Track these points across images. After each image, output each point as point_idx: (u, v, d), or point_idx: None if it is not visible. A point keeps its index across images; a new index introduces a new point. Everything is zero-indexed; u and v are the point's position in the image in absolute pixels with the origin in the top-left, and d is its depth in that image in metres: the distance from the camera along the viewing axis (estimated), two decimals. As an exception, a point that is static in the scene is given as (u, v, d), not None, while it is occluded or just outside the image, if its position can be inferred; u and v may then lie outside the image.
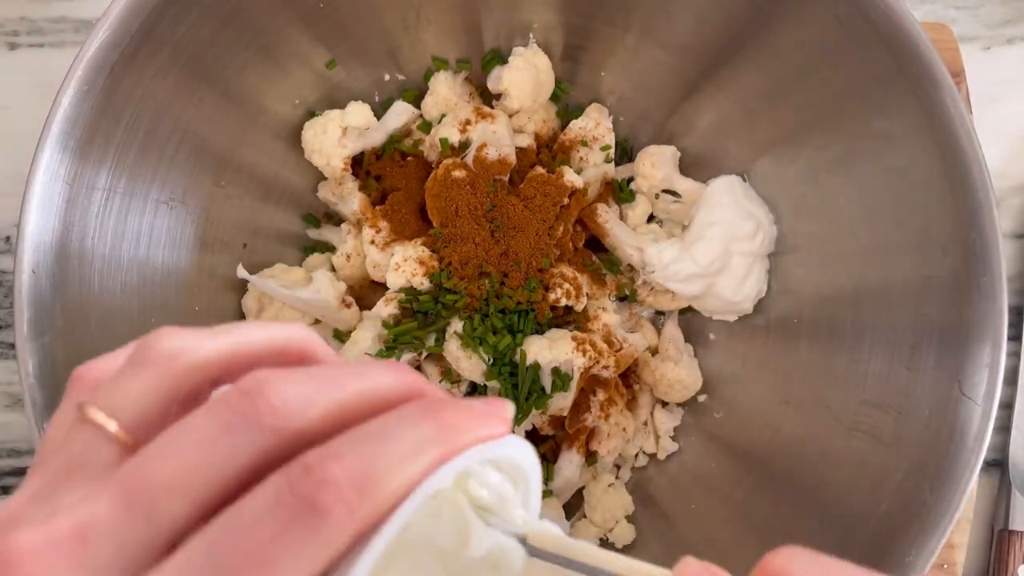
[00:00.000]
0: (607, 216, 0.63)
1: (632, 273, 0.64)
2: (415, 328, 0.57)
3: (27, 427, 0.49)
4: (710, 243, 0.61)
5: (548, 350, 0.56)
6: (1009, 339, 0.50)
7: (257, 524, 0.21)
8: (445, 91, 0.63)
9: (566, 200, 0.60)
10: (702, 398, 0.65)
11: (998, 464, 0.67)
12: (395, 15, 0.61)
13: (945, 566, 0.62)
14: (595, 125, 0.64)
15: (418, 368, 0.61)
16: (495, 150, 0.60)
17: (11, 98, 0.69)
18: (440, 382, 0.59)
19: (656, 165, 0.63)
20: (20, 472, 0.67)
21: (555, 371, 0.57)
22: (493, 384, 0.57)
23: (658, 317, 0.67)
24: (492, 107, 0.63)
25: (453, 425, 0.24)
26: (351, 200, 0.62)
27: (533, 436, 0.62)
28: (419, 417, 0.24)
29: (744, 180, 0.63)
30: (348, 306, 0.61)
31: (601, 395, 0.60)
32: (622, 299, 0.65)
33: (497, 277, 0.57)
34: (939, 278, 0.52)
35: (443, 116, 0.63)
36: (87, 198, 0.52)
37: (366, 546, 0.22)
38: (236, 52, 0.57)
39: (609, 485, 0.63)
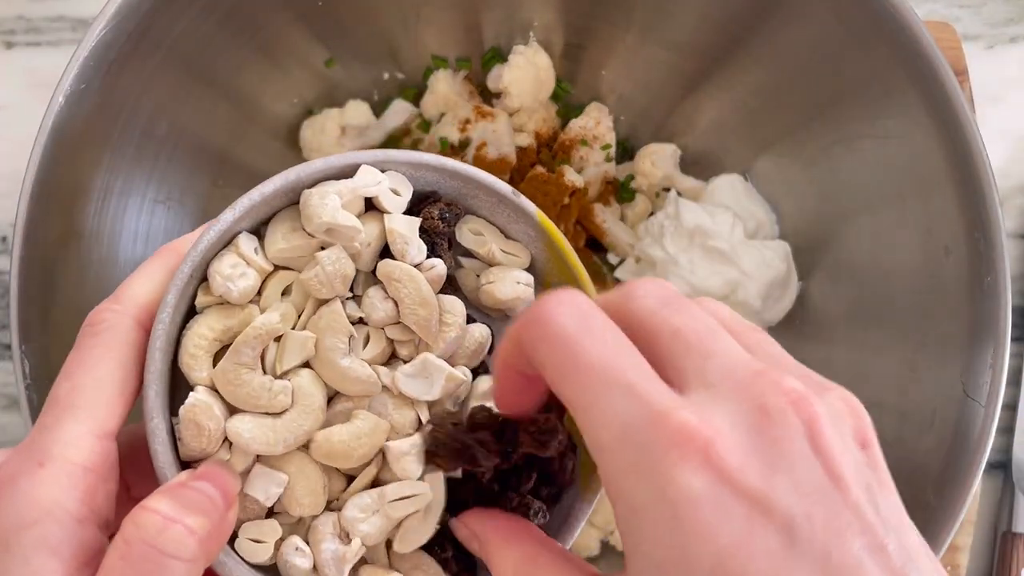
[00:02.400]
0: (604, 216, 0.62)
1: (633, 273, 0.64)
2: (414, 329, 0.57)
3: (23, 429, 0.49)
4: (711, 243, 0.60)
5: (548, 351, 0.56)
6: (1013, 340, 0.50)
7: None
8: (445, 90, 0.63)
9: (566, 200, 0.60)
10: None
11: (1002, 466, 0.66)
12: (394, 13, 0.60)
13: (949, 568, 0.62)
14: (595, 124, 0.64)
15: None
16: (495, 149, 0.59)
17: (8, 97, 0.69)
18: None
19: (656, 164, 0.63)
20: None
21: (555, 372, 0.56)
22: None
23: (659, 317, 0.66)
24: (492, 106, 0.63)
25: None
26: (350, 200, 0.62)
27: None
28: None
29: (745, 179, 0.62)
30: (347, 306, 0.61)
31: (602, 396, 0.60)
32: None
33: (497, 277, 0.57)
34: (943, 278, 0.52)
35: (443, 115, 0.62)
36: (83, 198, 0.52)
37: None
38: (234, 51, 0.57)
39: (610, 486, 0.63)
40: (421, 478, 0.39)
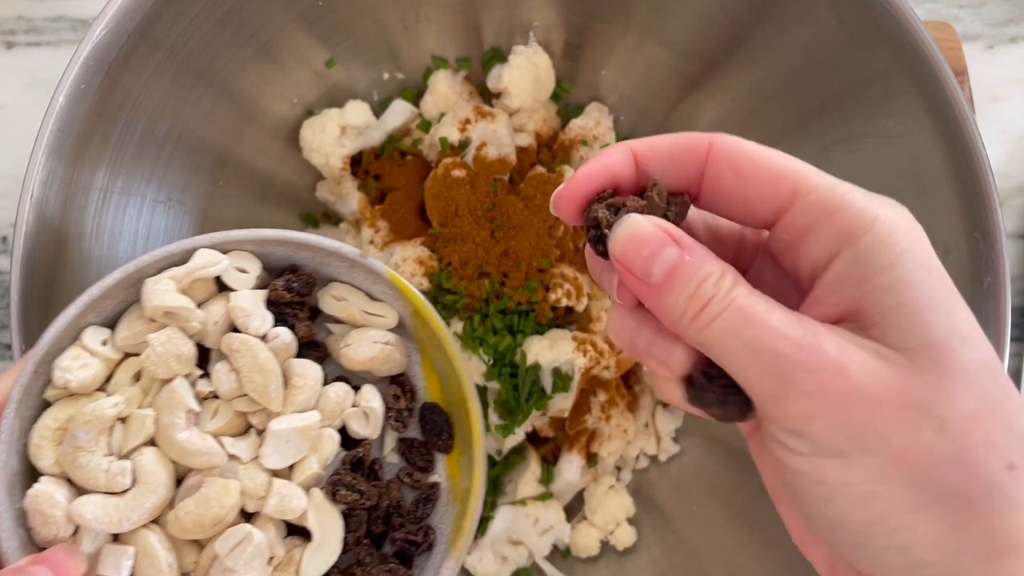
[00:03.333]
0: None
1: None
2: (414, 329, 0.57)
3: (23, 429, 0.49)
4: (711, 243, 0.60)
5: (549, 351, 0.56)
6: (1013, 340, 0.50)
7: None
8: (445, 90, 0.63)
9: (566, 200, 0.60)
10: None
11: (1001, 465, 0.66)
12: (394, 14, 0.61)
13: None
14: (595, 124, 0.64)
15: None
16: (495, 149, 0.59)
17: (8, 98, 0.69)
18: (440, 383, 0.58)
19: (657, 164, 0.63)
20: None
21: (556, 372, 0.56)
22: (493, 384, 0.57)
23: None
24: (492, 106, 0.63)
25: None
26: (350, 199, 0.62)
27: (533, 438, 0.62)
28: None
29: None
30: (347, 306, 0.61)
31: (602, 396, 0.60)
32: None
33: (497, 277, 0.57)
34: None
35: (443, 115, 0.62)
36: (84, 198, 0.52)
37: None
38: (234, 51, 0.57)
39: (610, 487, 0.63)
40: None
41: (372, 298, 0.45)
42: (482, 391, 0.59)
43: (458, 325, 0.56)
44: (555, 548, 0.63)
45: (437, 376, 0.46)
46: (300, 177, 0.64)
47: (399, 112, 0.63)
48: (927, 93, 0.51)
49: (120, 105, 0.52)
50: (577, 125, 0.64)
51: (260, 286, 0.43)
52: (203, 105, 0.57)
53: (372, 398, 0.44)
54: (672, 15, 0.59)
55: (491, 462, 0.61)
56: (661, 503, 0.63)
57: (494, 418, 0.58)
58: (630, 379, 0.64)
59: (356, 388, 0.45)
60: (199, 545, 0.40)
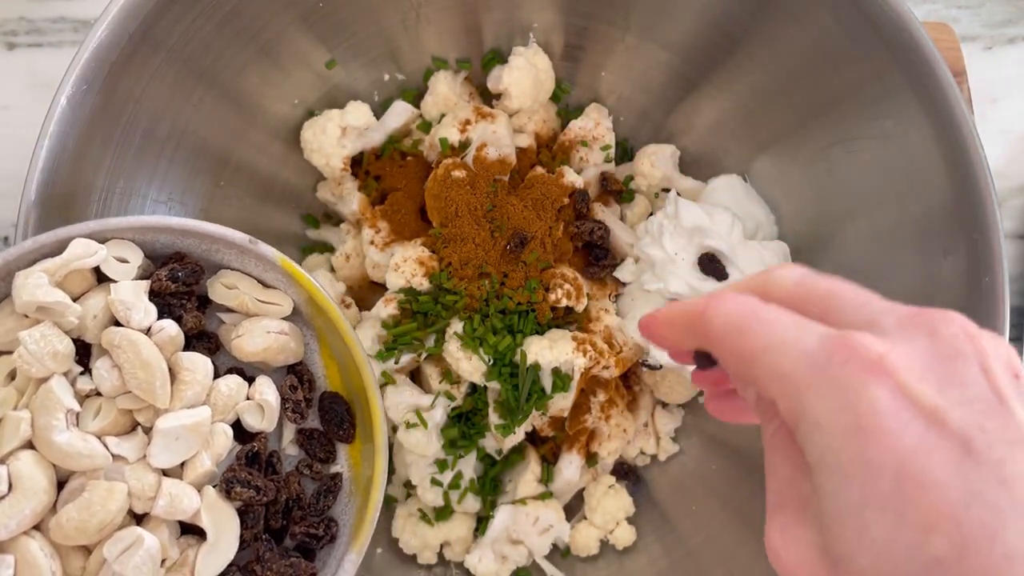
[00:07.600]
0: (604, 216, 0.62)
1: (632, 273, 0.64)
2: (415, 329, 0.57)
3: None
4: (711, 243, 0.61)
5: (549, 350, 0.56)
6: (1011, 340, 0.50)
7: None
8: (445, 91, 0.63)
9: (566, 200, 0.60)
10: (703, 399, 0.64)
11: (1000, 465, 0.66)
12: (395, 15, 0.61)
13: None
14: (595, 125, 0.64)
15: (417, 369, 0.60)
16: (495, 150, 0.60)
17: (10, 98, 0.69)
18: (440, 383, 0.58)
19: (655, 164, 0.63)
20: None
21: (555, 371, 0.56)
22: (493, 384, 0.57)
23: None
24: (492, 107, 0.63)
25: None
26: (350, 200, 0.62)
27: (533, 437, 0.62)
28: None
29: (744, 180, 0.62)
30: (347, 307, 0.61)
31: (602, 396, 0.60)
32: (622, 299, 0.65)
33: (497, 277, 0.57)
34: (941, 278, 0.52)
35: (443, 116, 0.62)
36: (85, 199, 0.52)
37: None
38: (236, 52, 0.57)
39: (610, 486, 0.63)
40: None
41: (265, 285, 0.43)
42: (482, 391, 0.59)
43: (458, 325, 0.57)
44: (555, 547, 0.63)
45: (336, 364, 0.45)
46: (301, 178, 0.64)
47: (399, 113, 0.63)
48: (925, 94, 0.51)
49: (121, 106, 0.52)
50: (577, 126, 0.64)
51: (143, 276, 0.41)
52: (204, 106, 0.57)
53: (267, 390, 0.42)
54: (671, 16, 0.59)
55: (491, 461, 0.62)
56: (660, 502, 0.63)
57: (494, 418, 0.58)
58: (630, 379, 0.64)
59: (251, 380, 0.43)
60: (86, 550, 0.38)
